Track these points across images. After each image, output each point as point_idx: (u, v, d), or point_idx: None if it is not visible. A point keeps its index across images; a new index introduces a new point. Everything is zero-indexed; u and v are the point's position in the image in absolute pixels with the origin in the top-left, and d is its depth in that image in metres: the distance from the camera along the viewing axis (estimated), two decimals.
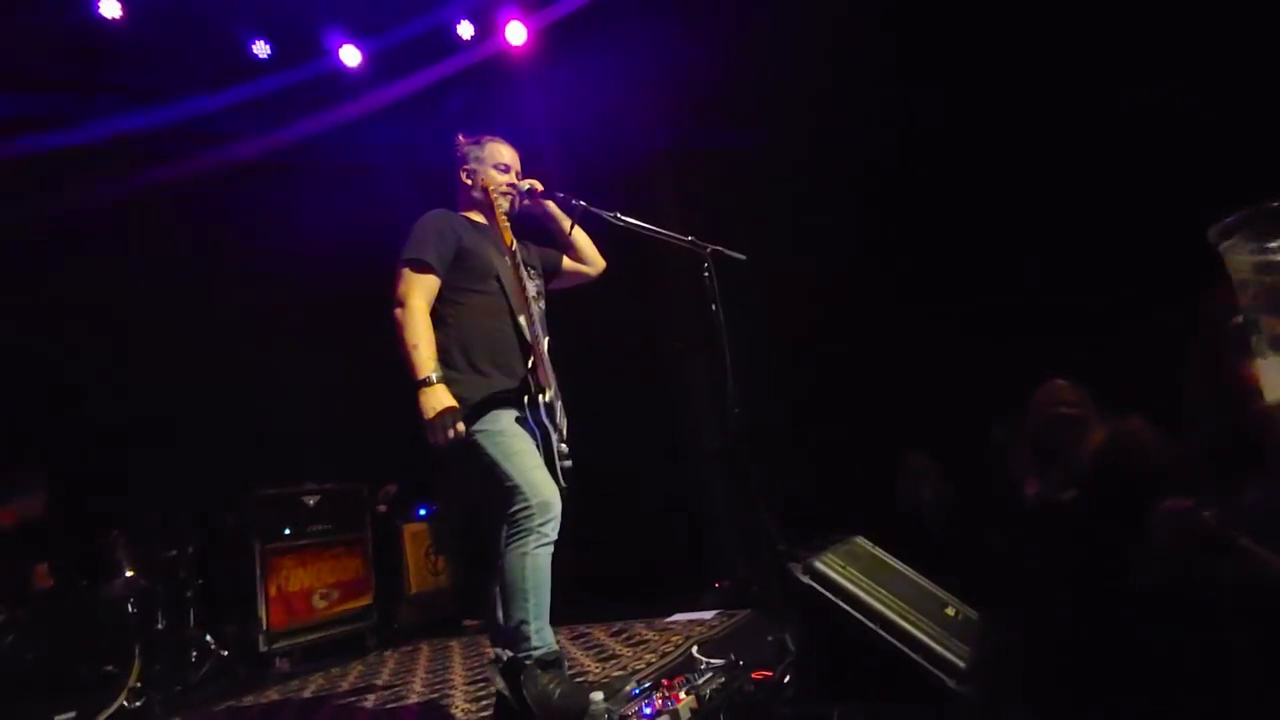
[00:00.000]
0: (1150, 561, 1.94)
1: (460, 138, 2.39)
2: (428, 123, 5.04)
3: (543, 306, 2.35)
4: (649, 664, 2.78)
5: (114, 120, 4.44)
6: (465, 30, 4.80)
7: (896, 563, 1.81)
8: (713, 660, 2.13)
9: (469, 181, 2.35)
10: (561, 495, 2.09)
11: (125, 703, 3.44)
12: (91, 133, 4.39)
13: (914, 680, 1.40)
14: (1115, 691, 1.50)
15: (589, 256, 2.54)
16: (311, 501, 4.64)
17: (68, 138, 4.32)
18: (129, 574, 3.80)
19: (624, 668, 2.78)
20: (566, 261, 2.52)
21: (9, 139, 4.18)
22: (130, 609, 3.73)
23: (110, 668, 3.41)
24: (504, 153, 2.38)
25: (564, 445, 2.20)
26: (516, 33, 4.77)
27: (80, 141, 4.36)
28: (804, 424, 3.78)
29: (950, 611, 1.67)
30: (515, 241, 2.27)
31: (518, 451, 2.06)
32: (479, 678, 3.10)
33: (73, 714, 3.23)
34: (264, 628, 4.23)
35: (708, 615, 3.62)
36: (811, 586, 1.51)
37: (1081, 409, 2.43)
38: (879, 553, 1.82)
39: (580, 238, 2.51)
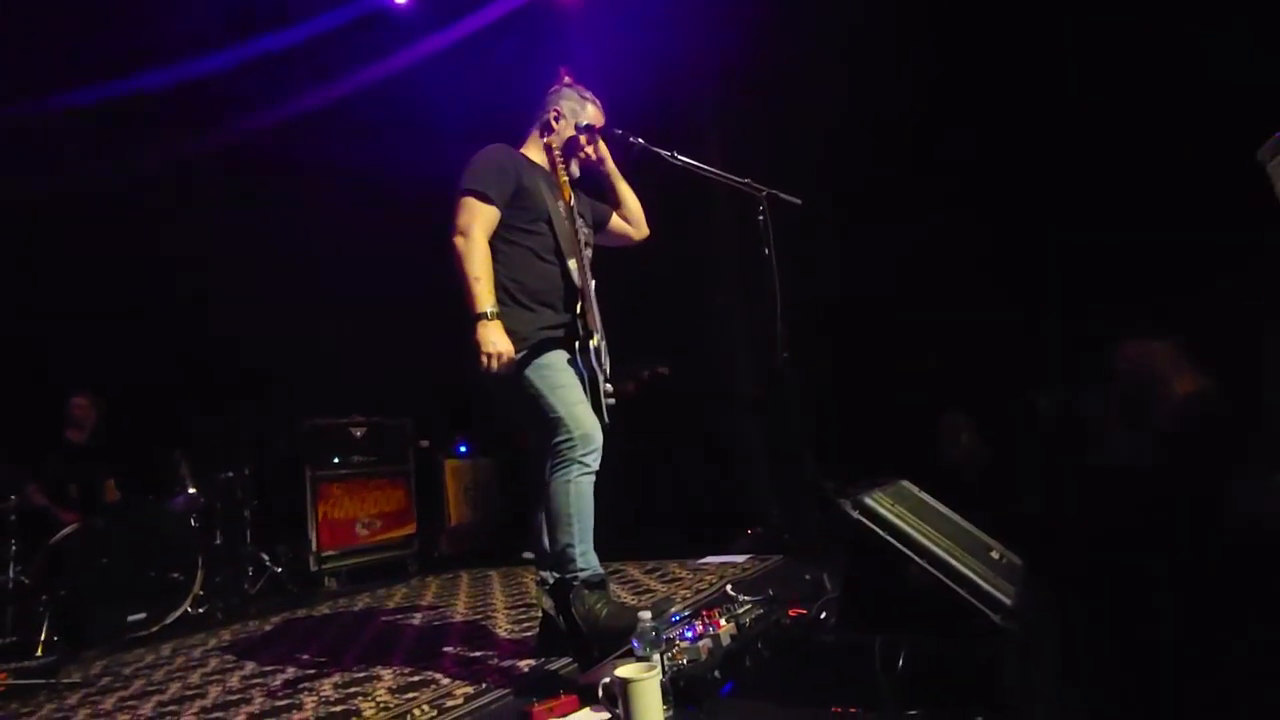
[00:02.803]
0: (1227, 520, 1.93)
1: (563, 72, 2.36)
2: (478, 64, 5.00)
3: (590, 254, 2.36)
4: (684, 598, 2.88)
5: (161, 69, 4.49)
6: None
7: (942, 506, 1.83)
8: (748, 597, 2.20)
9: (556, 125, 2.33)
10: (605, 431, 2.15)
11: (190, 609, 3.70)
12: (141, 82, 4.45)
13: (959, 615, 1.44)
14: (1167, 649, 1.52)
15: (635, 218, 2.54)
16: (358, 433, 4.83)
17: (112, 88, 4.39)
18: (191, 491, 4.03)
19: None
20: (614, 220, 2.52)
21: (56, 92, 4.26)
22: (192, 523, 3.98)
23: (177, 575, 3.66)
24: (592, 115, 2.36)
25: (609, 385, 2.24)
26: None
27: (127, 91, 4.42)
28: (847, 375, 3.77)
29: (995, 554, 1.69)
30: (574, 195, 2.28)
31: (562, 385, 2.11)
32: (519, 603, 3.25)
33: (143, 614, 3.49)
34: (314, 549, 4.47)
35: (739, 559, 3.71)
36: (860, 521, 1.54)
37: (1157, 363, 2.40)
38: (925, 496, 1.85)
39: (630, 200, 2.50)
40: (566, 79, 2.37)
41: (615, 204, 2.50)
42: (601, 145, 2.39)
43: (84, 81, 4.26)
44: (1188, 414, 2.36)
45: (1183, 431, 2.34)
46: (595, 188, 2.50)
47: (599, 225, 2.48)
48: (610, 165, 2.42)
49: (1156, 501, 2.22)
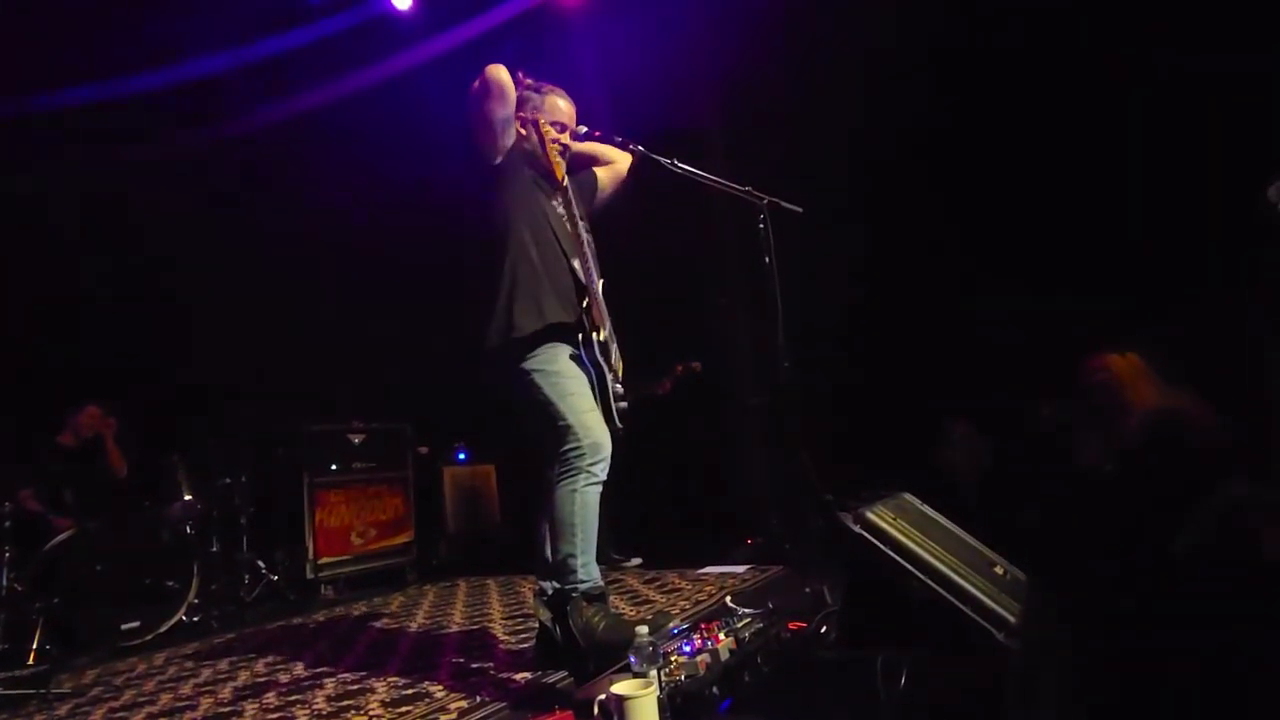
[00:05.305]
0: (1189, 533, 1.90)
1: (520, 75, 2.34)
2: (480, 70, 5.00)
3: (593, 248, 2.33)
4: (683, 610, 2.84)
5: (163, 70, 4.48)
6: None
7: (944, 520, 1.80)
8: (747, 609, 2.16)
9: (523, 131, 2.29)
10: (616, 436, 2.12)
11: (184, 617, 3.66)
12: (141, 82, 4.44)
13: (961, 632, 1.41)
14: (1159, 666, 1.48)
15: (609, 155, 2.48)
16: (357, 439, 4.79)
17: (113, 88, 4.37)
18: (187, 498, 4.00)
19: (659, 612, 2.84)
20: (601, 175, 2.47)
21: (50, 92, 4.25)
22: (189, 530, 3.94)
23: (172, 583, 3.62)
24: (562, 108, 2.33)
25: (619, 386, 2.21)
26: None
27: (129, 92, 4.41)
28: (849, 383, 3.75)
29: (999, 570, 1.66)
30: (567, 178, 2.26)
31: (572, 393, 2.08)
32: (516, 613, 3.21)
33: (137, 623, 3.45)
34: (311, 556, 4.43)
35: (739, 569, 3.67)
36: (861, 535, 1.52)
37: (1112, 376, 2.38)
38: (927, 509, 1.82)
39: (599, 150, 2.44)
40: (521, 77, 2.28)
41: (590, 165, 2.47)
42: (564, 135, 2.32)
43: (81, 80, 4.26)
44: (1144, 430, 2.33)
45: (1139, 448, 2.31)
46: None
47: (592, 193, 2.44)
48: (574, 146, 2.37)
49: (1116, 514, 2.20)
